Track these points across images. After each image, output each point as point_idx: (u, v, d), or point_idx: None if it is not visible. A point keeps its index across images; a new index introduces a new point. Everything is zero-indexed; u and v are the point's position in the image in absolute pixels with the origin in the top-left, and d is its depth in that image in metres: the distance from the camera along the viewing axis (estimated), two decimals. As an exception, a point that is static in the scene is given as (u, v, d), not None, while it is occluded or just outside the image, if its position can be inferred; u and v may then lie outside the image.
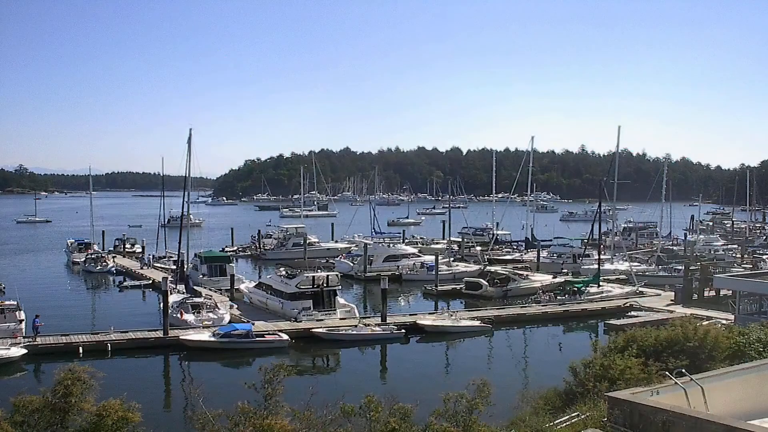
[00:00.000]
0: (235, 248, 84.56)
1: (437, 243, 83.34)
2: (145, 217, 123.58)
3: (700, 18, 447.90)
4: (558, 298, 49.22)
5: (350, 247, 77.96)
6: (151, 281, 57.72)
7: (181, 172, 54.53)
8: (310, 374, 33.59)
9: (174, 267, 58.11)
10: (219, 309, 43.02)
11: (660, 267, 61.52)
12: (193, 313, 41.67)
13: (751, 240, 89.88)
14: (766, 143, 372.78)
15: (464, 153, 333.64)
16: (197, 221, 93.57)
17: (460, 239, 78.71)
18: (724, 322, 33.88)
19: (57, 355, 33.19)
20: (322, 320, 41.46)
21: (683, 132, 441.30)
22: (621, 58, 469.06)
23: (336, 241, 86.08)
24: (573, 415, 16.19)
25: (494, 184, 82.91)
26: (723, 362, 18.63)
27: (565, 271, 61.16)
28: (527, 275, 57.05)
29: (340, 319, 42.13)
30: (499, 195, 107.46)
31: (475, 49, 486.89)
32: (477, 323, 41.79)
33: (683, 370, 11.96)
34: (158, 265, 66.73)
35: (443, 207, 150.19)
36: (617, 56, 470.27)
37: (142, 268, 65.54)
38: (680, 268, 55.09)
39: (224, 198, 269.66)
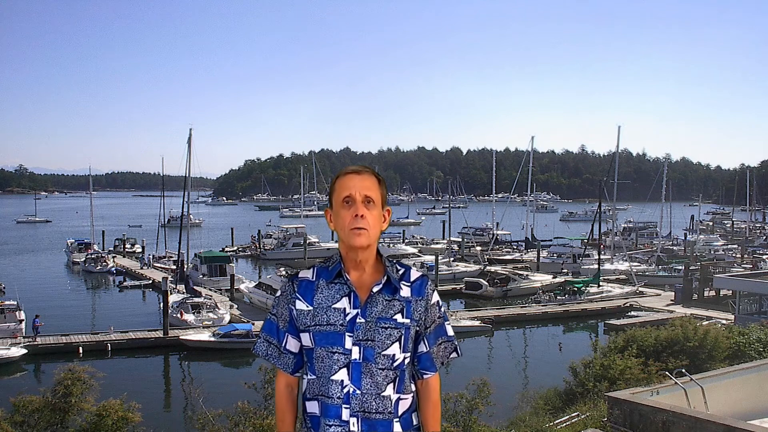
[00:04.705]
0: (235, 248, 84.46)
1: (437, 243, 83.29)
2: (145, 217, 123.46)
3: (700, 17, 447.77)
4: (558, 298, 49.26)
5: (350, 248, 77.75)
6: (151, 281, 57.67)
7: (181, 172, 54.66)
8: (310, 374, 33.54)
9: (174, 267, 58.14)
10: (219, 309, 43.00)
11: (660, 267, 61.53)
12: (193, 313, 41.64)
13: (751, 240, 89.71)
14: (766, 143, 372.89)
15: (464, 153, 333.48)
16: (197, 221, 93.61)
17: (460, 239, 78.63)
18: (724, 322, 33.84)
19: (57, 355, 33.11)
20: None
21: (683, 131, 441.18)
22: (621, 58, 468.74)
23: (336, 241, 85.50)
24: (573, 415, 16.21)
25: (494, 184, 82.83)
26: (723, 362, 18.63)
27: (565, 271, 61.15)
28: (527, 275, 57.07)
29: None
30: (499, 195, 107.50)
31: (475, 49, 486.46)
32: (477, 323, 41.70)
33: (683, 370, 11.96)
34: (158, 265, 66.65)
35: (443, 207, 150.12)
36: (617, 56, 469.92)
37: (142, 268, 65.55)
38: (680, 268, 55.07)
39: (224, 198, 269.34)
